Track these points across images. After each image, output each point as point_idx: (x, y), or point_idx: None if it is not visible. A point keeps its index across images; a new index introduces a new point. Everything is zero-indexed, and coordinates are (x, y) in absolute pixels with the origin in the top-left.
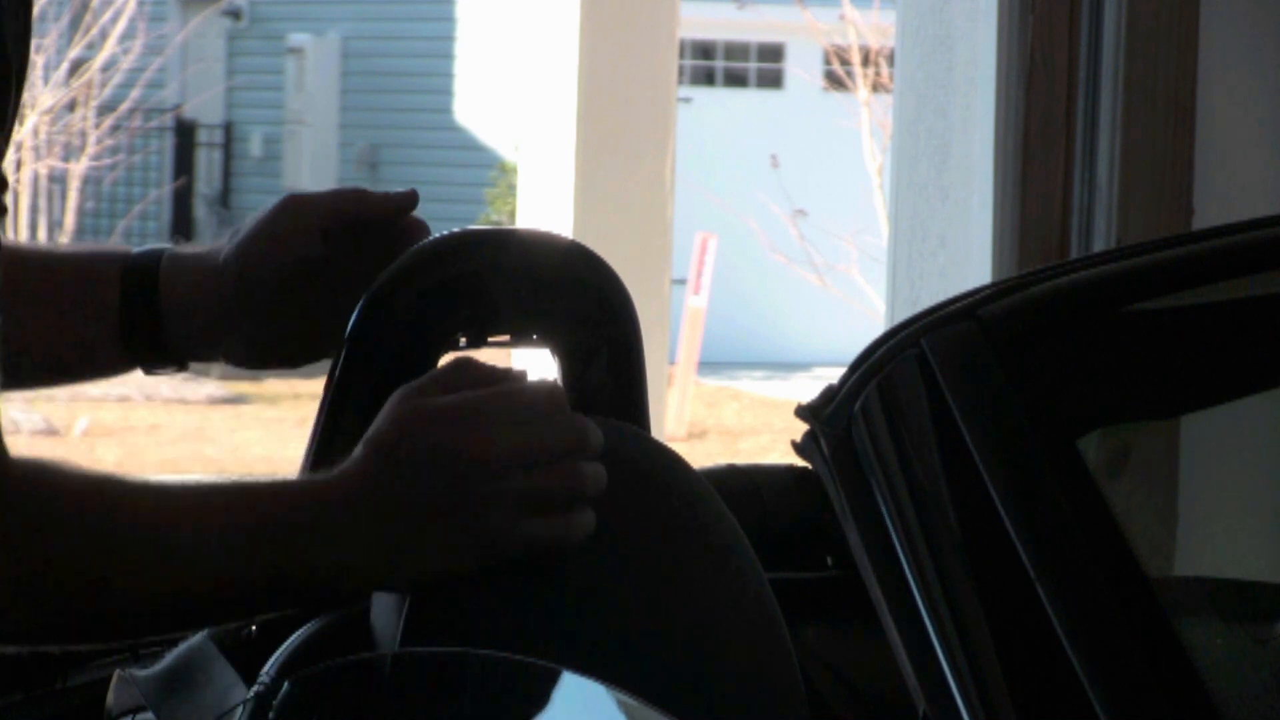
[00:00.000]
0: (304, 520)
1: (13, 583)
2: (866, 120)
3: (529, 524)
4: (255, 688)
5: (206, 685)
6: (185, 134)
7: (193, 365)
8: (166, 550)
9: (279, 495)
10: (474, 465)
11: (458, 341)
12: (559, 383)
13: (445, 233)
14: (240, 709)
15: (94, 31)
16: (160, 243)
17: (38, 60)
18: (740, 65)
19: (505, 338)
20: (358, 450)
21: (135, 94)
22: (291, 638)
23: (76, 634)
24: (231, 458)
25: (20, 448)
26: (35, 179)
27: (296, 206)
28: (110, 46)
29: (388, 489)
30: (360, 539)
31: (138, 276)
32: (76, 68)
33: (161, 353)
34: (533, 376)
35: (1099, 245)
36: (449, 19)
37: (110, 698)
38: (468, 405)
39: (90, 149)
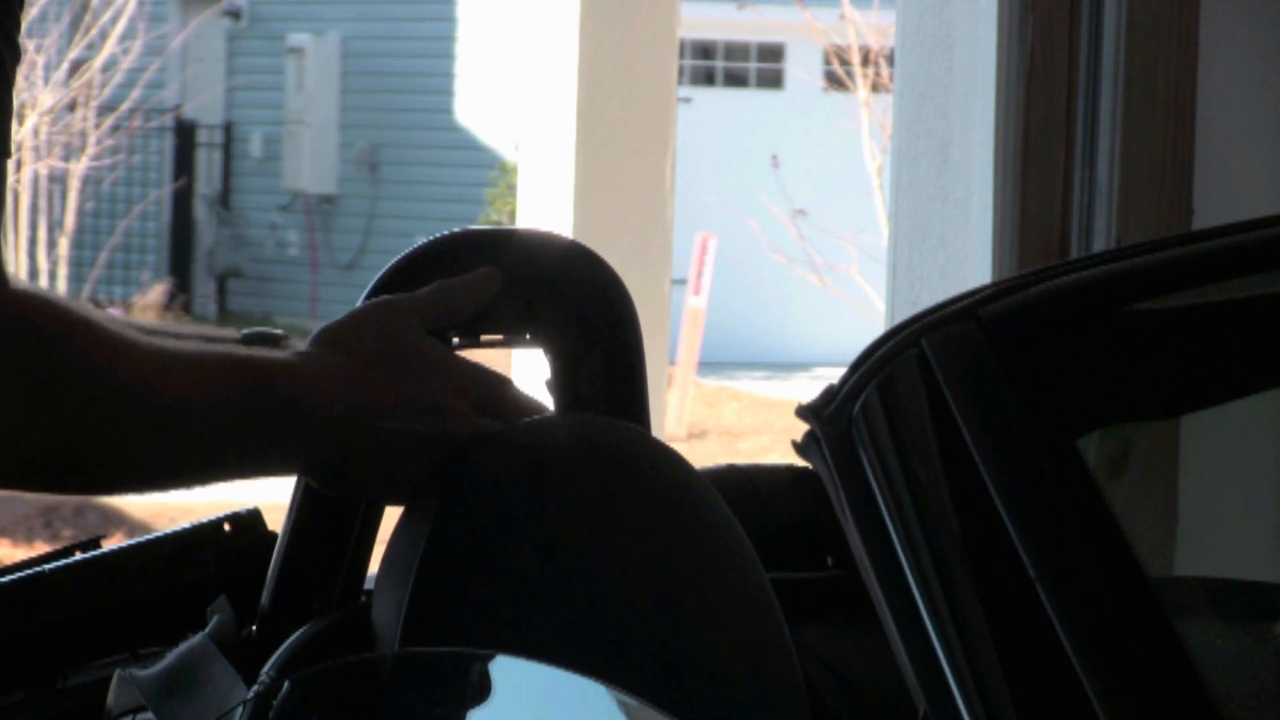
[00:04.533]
0: (284, 394)
1: None
2: (866, 120)
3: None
4: (255, 688)
5: (206, 685)
6: (185, 134)
7: None
8: (156, 404)
9: (265, 369)
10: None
11: (450, 341)
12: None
13: (444, 233)
14: (240, 709)
15: (94, 31)
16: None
17: (38, 60)
18: (740, 65)
19: (498, 337)
20: (311, 344)
21: (135, 94)
22: (291, 638)
23: (36, 473)
24: None
25: None
26: (35, 179)
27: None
28: (110, 46)
29: (351, 377)
30: (327, 418)
31: None
32: (76, 68)
33: None
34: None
35: (1099, 245)
36: (449, 19)
37: (110, 698)
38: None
39: (90, 149)
